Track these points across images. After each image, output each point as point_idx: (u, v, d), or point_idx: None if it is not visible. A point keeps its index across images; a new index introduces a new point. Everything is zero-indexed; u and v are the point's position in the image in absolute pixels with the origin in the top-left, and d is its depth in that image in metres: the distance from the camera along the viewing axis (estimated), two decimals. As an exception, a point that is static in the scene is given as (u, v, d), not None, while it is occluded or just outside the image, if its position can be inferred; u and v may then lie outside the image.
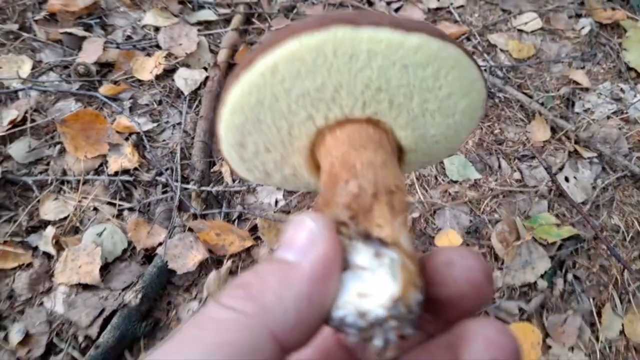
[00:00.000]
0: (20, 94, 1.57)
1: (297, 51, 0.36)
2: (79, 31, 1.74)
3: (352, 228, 0.33)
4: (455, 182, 1.47)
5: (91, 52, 1.68)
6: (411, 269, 0.31)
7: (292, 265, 0.30)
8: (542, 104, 1.61)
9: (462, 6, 1.91)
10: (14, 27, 1.72)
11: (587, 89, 1.66)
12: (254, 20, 1.88)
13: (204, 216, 1.36)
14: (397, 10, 1.89)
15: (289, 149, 0.44)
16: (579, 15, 1.86)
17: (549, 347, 1.25)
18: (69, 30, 1.74)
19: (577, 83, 1.67)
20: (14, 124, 1.50)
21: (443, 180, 1.47)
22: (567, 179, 1.48)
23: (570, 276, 1.35)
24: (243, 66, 0.37)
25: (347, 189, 0.35)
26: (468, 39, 1.79)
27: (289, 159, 0.45)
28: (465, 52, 0.39)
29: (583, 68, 1.71)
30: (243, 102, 0.39)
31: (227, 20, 1.88)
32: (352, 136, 0.40)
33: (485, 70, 1.66)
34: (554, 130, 1.57)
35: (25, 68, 1.62)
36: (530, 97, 1.62)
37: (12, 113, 1.51)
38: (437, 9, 1.90)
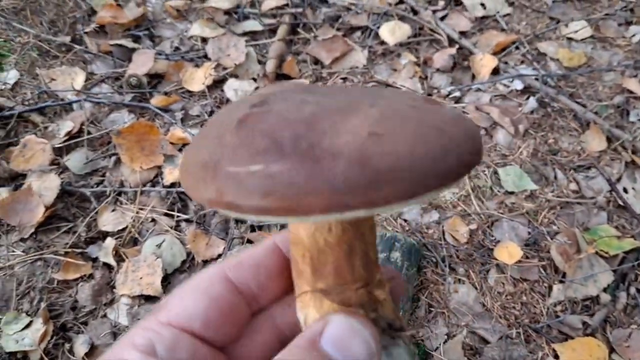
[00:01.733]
0: (74, 105, 1.59)
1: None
2: (128, 43, 1.76)
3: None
4: (511, 193, 1.45)
5: (141, 64, 1.70)
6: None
7: None
8: (595, 113, 1.59)
9: (508, 14, 1.89)
10: (66, 39, 1.74)
11: (641, 98, 1.63)
12: (299, 30, 1.89)
13: (260, 227, 1.36)
14: (442, 18, 1.88)
15: None
16: (629, 23, 1.83)
17: (615, 362, 1.22)
18: (118, 42, 1.76)
19: (630, 92, 1.64)
20: (70, 135, 1.52)
21: (499, 192, 1.45)
22: (625, 190, 1.46)
23: (633, 289, 1.33)
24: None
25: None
26: (517, 47, 1.78)
27: None
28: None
29: (636, 76, 1.68)
30: None
31: (272, 31, 1.89)
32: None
33: (537, 79, 1.64)
34: (609, 140, 1.54)
35: (79, 80, 1.65)
36: (584, 106, 1.60)
37: (68, 124, 1.53)
38: (483, 17, 1.88)
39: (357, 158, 0.25)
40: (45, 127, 1.54)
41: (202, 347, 0.36)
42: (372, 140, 0.26)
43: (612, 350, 1.24)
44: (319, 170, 0.25)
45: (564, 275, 1.32)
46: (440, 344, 1.21)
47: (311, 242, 0.35)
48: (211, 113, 1.62)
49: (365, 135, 0.26)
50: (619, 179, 1.48)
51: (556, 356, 1.23)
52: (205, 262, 1.31)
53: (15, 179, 1.45)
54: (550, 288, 1.31)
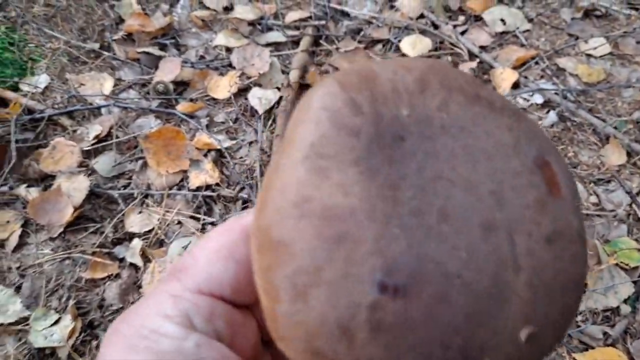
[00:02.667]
0: (103, 110, 1.63)
1: None
2: (155, 50, 1.80)
3: None
4: (532, 204, 1.47)
5: (168, 71, 1.74)
6: None
7: None
8: (615, 128, 1.61)
9: (528, 30, 1.93)
10: (95, 46, 1.79)
11: (660, 114, 1.65)
12: (321, 42, 1.93)
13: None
14: (463, 33, 1.91)
15: None
16: (647, 41, 1.86)
17: (636, 373, 1.23)
18: (145, 49, 1.80)
19: (649, 108, 1.66)
20: (98, 138, 1.55)
21: (519, 202, 1.47)
22: (645, 204, 1.47)
23: (653, 302, 1.34)
24: None
25: None
26: (537, 62, 1.80)
27: None
28: None
29: (655, 93, 1.71)
30: None
31: (295, 42, 1.92)
32: None
33: (556, 93, 1.67)
34: (629, 154, 1.56)
35: (107, 85, 1.69)
36: (603, 120, 1.62)
37: (97, 128, 1.57)
38: (503, 32, 1.92)
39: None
40: (74, 131, 1.58)
41: (235, 312, 0.34)
42: (529, 345, 0.26)
43: (632, 361, 1.25)
44: None
45: (585, 285, 1.33)
46: (462, 350, 1.22)
47: None
48: (236, 120, 1.66)
49: (522, 342, 0.26)
50: (638, 193, 1.50)
51: (577, 366, 1.24)
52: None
53: (45, 180, 1.48)
54: (571, 298, 1.32)
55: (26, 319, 1.22)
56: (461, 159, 0.27)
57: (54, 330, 1.20)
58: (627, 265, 1.35)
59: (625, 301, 1.32)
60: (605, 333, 1.28)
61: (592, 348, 1.26)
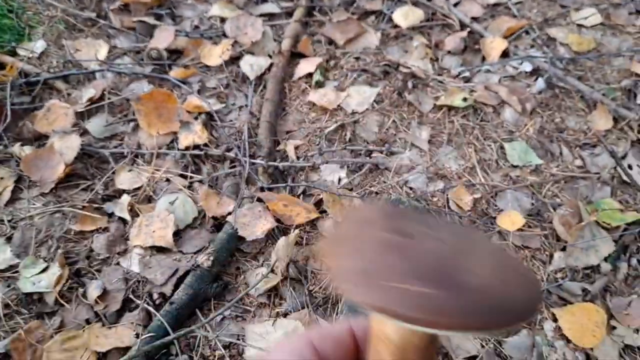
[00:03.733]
0: (97, 75, 1.67)
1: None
2: (151, 20, 1.83)
3: None
4: (516, 166, 1.48)
5: (162, 40, 1.77)
6: None
7: None
8: (603, 95, 1.62)
9: (520, 2, 1.93)
10: (92, 14, 1.82)
11: (649, 82, 1.66)
12: (315, 13, 1.95)
13: (270, 189, 1.41)
14: (455, 5, 1.92)
15: None
16: (639, 12, 1.86)
17: (614, 327, 1.24)
18: (141, 18, 1.83)
19: (638, 75, 1.66)
20: (92, 101, 1.59)
21: (504, 165, 1.49)
22: (630, 167, 1.48)
23: (634, 261, 1.34)
24: None
25: None
26: (527, 32, 1.81)
27: None
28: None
29: (645, 61, 1.71)
30: None
31: (289, 13, 1.95)
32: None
33: (546, 62, 1.67)
34: (615, 120, 1.57)
35: (102, 52, 1.72)
36: (592, 87, 1.63)
37: (90, 92, 1.60)
38: (495, 4, 1.93)
39: (482, 292, 0.32)
40: (69, 94, 1.61)
41: None
42: (495, 280, 0.33)
43: (611, 317, 1.26)
44: (461, 298, 0.31)
45: (566, 244, 1.34)
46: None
47: (403, 343, 0.38)
48: (227, 86, 1.68)
49: (488, 276, 0.33)
50: (624, 157, 1.50)
51: (555, 320, 1.25)
52: (215, 220, 1.36)
53: (39, 140, 1.51)
54: (551, 256, 1.34)
55: (15, 266, 1.26)
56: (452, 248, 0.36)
57: (42, 277, 1.24)
58: (608, 224, 1.36)
59: (605, 259, 1.33)
60: (584, 289, 1.29)
61: (571, 304, 1.27)
